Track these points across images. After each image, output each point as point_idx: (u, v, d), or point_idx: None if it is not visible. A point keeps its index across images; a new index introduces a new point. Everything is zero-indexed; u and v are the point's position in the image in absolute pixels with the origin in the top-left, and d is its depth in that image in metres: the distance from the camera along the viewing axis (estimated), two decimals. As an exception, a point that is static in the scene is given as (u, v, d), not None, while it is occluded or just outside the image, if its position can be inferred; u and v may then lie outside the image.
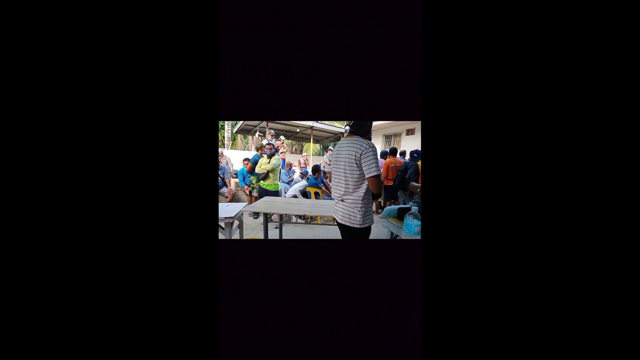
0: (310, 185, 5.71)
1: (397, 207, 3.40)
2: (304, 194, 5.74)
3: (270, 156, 5.40)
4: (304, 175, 6.25)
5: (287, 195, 5.84)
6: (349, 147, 2.34)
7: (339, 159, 2.42)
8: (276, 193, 5.45)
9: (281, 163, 5.84)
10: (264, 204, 4.19)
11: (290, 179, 6.32)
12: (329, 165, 6.28)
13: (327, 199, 5.40)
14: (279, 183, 5.55)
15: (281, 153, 6.37)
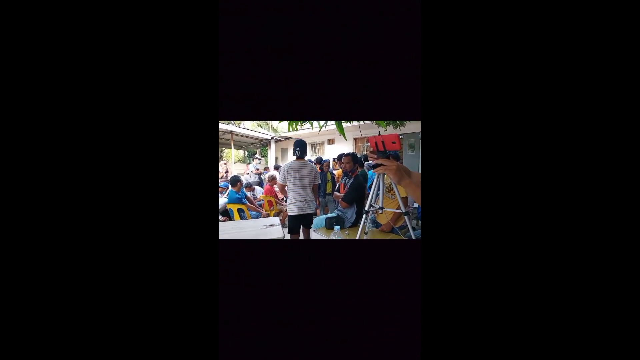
0: (231, 201, 4.80)
1: (324, 217, 3.81)
2: (224, 213, 4.81)
3: None
4: (223, 189, 5.19)
5: None
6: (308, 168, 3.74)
7: (303, 176, 3.70)
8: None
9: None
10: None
11: None
12: (257, 174, 5.92)
13: (255, 216, 4.74)
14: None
15: None
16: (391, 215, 2.99)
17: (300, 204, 3.67)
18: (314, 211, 3.75)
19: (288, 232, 3.68)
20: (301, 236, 3.68)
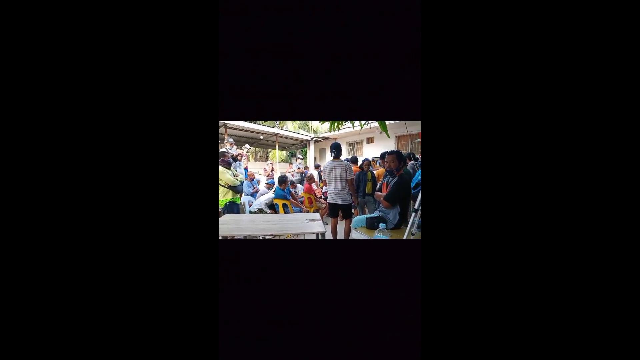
0: (278, 197, 5.48)
1: (364, 216, 4.12)
2: (271, 206, 5.50)
3: (227, 166, 4.94)
4: (270, 186, 5.87)
5: (251, 209, 5.47)
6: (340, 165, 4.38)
7: (336, 172, 4.39)
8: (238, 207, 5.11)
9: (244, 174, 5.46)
10: (227, 224, 3.84)
11: (255, 190, 5.84)
12: (299, 173, 6.47)
13: (297, 211, 5.39)
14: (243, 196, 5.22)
15: (243, 163, 5.80)
16: None
17: (332, 195, 4.53)
18: (341, 203, 4.42)
19: (328, 216, 4.59)
20: (340, 234, 4.19)
